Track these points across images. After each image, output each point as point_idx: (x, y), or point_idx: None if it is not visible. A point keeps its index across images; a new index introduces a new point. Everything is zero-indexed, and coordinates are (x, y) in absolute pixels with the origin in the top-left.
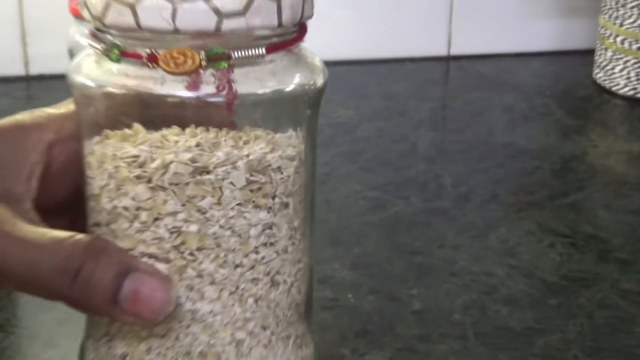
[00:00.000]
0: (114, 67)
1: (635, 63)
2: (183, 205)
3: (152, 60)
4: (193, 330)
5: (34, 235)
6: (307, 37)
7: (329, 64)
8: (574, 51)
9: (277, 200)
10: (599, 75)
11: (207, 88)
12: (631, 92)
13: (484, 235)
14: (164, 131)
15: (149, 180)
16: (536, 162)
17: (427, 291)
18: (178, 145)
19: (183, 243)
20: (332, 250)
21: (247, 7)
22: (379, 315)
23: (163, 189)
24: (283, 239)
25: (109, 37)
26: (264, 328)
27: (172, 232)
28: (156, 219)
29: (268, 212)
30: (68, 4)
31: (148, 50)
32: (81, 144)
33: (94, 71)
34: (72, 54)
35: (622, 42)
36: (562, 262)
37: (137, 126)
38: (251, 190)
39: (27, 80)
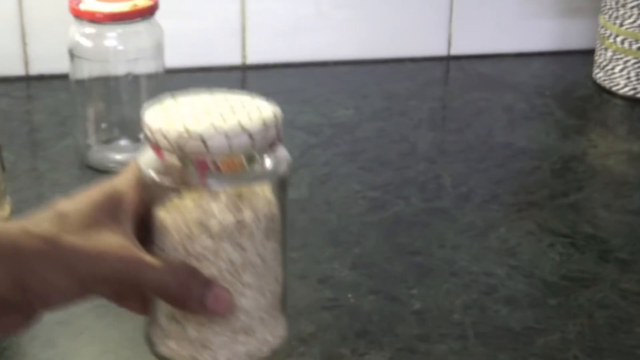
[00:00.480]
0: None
1: (635, 63)
2: (232, 245)
3: (215, 166)
4: (239, 316)
5: (155, 261)
6: (307, 37)
7: (329, 64)
8: (574, 51)
9: (277, 232)
10: (599, 75)
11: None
12: (631, 92)
13: (484, 235)
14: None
15: (211, 234)
16: (536, 162)
17: (427, 291)
18: (224, 208)
19: (234, 267)
20: (332, 250)
21: (265, 131)
22: (379, 315)
23: (219, 237)
24: (281, 255)
25: (183, 154)
26: (273, 309)
27: (226, 262)
28: (217, 256)
29: (275, 241)
30: (68, 4)
31: (213, 161)
32: (151, 206)
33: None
34: (72, 54)
35: (622, 42)
36: (562, 262)
37: (192, 195)
38: (267, 229)
39: (27, 80)
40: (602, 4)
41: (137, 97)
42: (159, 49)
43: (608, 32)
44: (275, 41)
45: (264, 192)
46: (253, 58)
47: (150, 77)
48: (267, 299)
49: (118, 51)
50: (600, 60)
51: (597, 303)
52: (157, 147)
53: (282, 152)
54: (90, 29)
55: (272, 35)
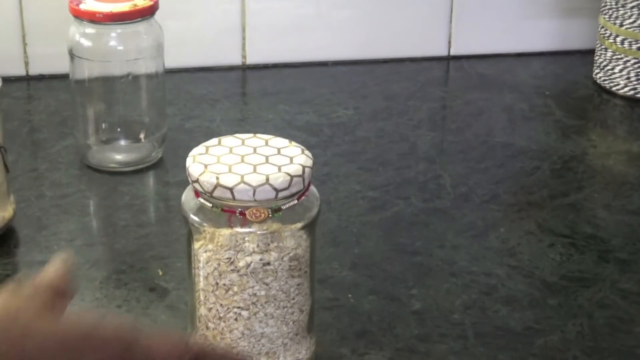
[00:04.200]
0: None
1: (635, 63)
2: (256, 281)
3: (242, 214)
4: (262, 342)
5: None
6: (307, 37)
7: (330, 64)
8: (574, 51)
9: (302, 270)
10: (599, 75)
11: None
12: (631, 92)
13: (484, 235)
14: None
15: (239, 271)
16: (536, 162)
17: (427, 291)
18: (251, 249)
19: (257, 300)
20: (332, 250)
21: (289, 185)
22: (379, 315)
23: (246, 275)
24: (307, 289)
25: (214, 201)
26: (296, 334)
27: (250, 295)
28: (242, 289)
29: (299, 277)
30: (68, 4)
31: (241, 210)
32: (190, 237)
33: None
34: (72, 54)
35: (622, 42)
36: (562, 262)
37: (222, 232)
38: (290, 268)
39: (27, 80)
40: (602, 4)
41: (137, 97)
42: (159, 49)
43: (608, 32)
44: (275, 41)
45: (292, 234)
46: (253, 58)
47: (150, 77)
48: (290, 327)
49: (118, 51)
50: (600, 60)
51: (597, 303)
52: (195, 191)
53: (312, 194)
54: (90, 29)
55: (272, 35)
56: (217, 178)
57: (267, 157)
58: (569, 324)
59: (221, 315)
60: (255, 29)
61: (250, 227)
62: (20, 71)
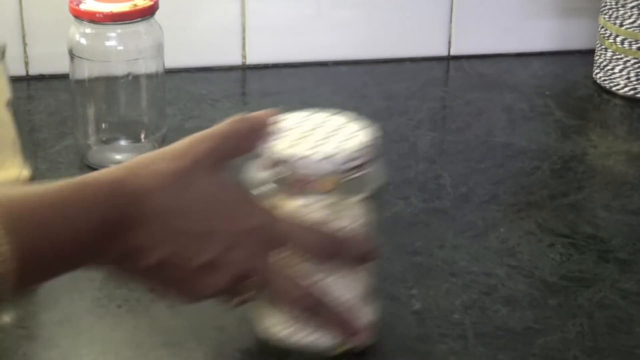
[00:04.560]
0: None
1: (635, 63)
2: None
3: (313, 184)
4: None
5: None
6: (307, 37)
7: (330, 64)
8: (574, 51)
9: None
10: (599, 75)
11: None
12: (631, 92)
13: (484, 235)
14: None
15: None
16: (536, 162)
17: (427, 291)
18: (319, 218)
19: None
20: None
21: (357, 157)
22: (378, 315)
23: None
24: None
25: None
26: (364, 297)
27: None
28: None
29: None
30: (68, 4)
31: (309, 181)
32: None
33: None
34: (72, 54)
35: (622, 42)
36: (562, 262)
37: (293, 203)
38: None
39: (27, 80)
40: (602, 4)
41: (137, 97)
42: (159, 49)
43: (608, 32)
44: (275, 41)
45: (356, 204)
46: (253, 58)
47: (150, 77)
48: (358, 292)
49: (118, 51)
50: (600, 60)
51: (597, 303)
52: (268, 160)
53: (377, 167)
54: (90, 29)
55: (272, 35)
56: (290, 149)
57: (332, 131)
58: (569, 324)
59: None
60: (255, 29)
61: (317, 197)
62: (20, 71)
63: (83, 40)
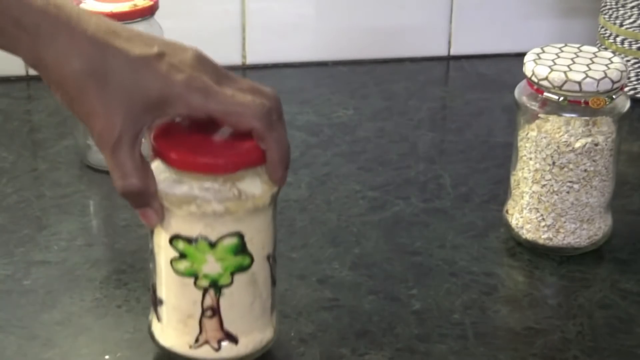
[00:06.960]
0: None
1: (635, 63)
2: (588, 159)
3: (585, 103)
4: (586, 210)
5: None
6: (307, 37)
7: (330, 64)
8: None
9: (613, 151)
10: None
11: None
12: (631, 92)
13: (484, 235)
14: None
15: (575, 150)
16: None
17: (427, 291)
18: (582, 133)
19: (587, 175)
20: (332, 250)
21: (620, 78)
22: (379, 315)
23: (581, 154)
24: (615, 167)
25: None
26: (606, 205)
27: (582, 171)
28: (577, 166)
29: (611, 157)
30: None
31: (585, 100)
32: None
33: None
34: None
35: (622, 42)
36: (562, 262)
37: (556, 121)
38: (609, 148)
39: (27, 80)
40: (602, 4)
41: None
42: None
43: (608, 32)
44: (275, 41)
45: (609, 122)
46: (253, 58)
47: None
48: (606, 198)
49: None
50: None
51: (597, 303)
52: (538, 88)
53: (625, 94)
54: None
55: (272, 35)
56: (566, 74)
57: (590, 59)
58: (569, 324)
59: (555, 189)
60: (255, 29)
61: (583, 114)
62: (20, 71)
63: None
